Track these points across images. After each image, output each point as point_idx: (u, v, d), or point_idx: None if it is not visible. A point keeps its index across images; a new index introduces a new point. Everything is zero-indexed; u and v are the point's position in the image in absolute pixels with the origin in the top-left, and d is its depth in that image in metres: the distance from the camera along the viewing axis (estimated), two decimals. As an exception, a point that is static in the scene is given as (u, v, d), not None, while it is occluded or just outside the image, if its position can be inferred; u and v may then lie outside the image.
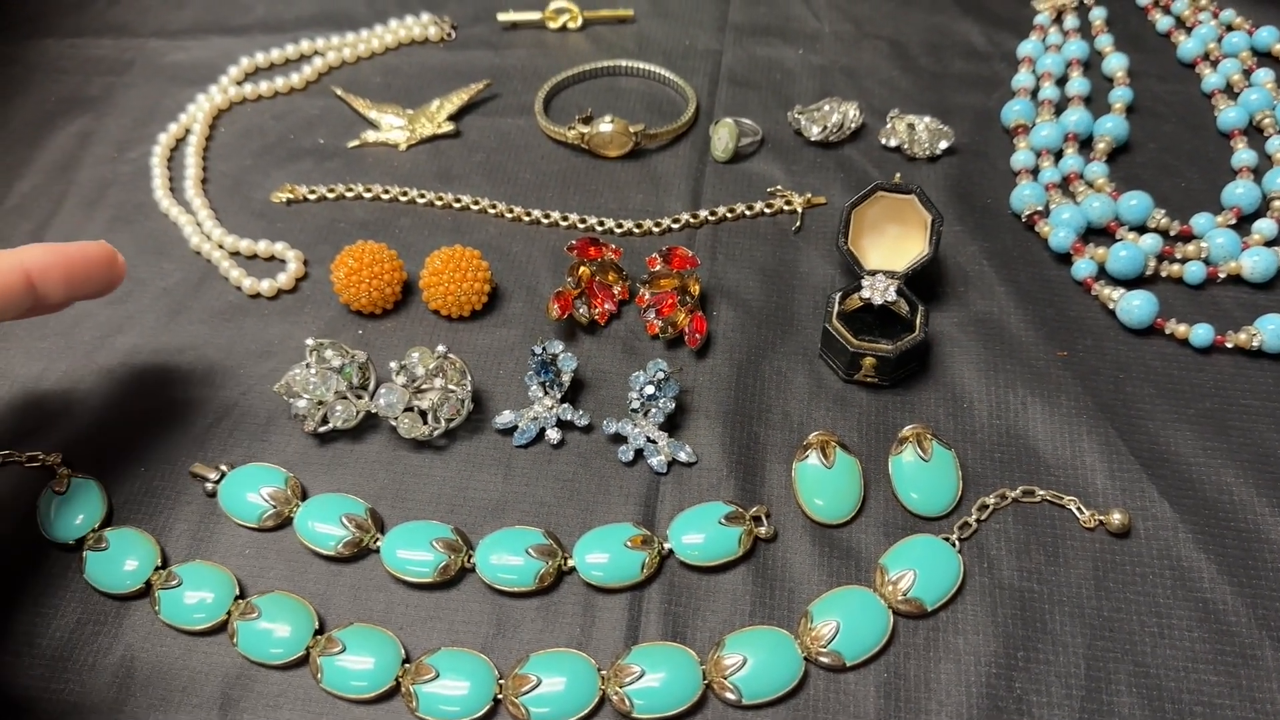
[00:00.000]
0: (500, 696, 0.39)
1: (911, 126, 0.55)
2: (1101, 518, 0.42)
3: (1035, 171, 0.54)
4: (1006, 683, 0.39)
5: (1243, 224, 0.51)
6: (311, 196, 0.56)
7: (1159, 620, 0.40)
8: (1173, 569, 0.41)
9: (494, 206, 0.55)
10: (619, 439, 0.46)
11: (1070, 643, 0.39)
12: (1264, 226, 0.50)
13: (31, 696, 0.40)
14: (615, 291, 0.50)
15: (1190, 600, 0.40)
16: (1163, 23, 0.61)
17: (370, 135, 0.59)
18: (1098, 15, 0.61)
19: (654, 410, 0.45)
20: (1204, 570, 0.41)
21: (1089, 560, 0.41)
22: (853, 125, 0.56)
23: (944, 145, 0.55)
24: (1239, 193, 0.51)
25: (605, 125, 0.55)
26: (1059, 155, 0.54)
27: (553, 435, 0.46)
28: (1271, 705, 0.38)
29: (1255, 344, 0.46)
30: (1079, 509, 0.42)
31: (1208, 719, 0.37)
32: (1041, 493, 0.43)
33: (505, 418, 0.46)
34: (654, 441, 0.45)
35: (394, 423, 0.45)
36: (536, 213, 0.54)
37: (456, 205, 0.55)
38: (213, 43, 0.65)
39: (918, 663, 0.39)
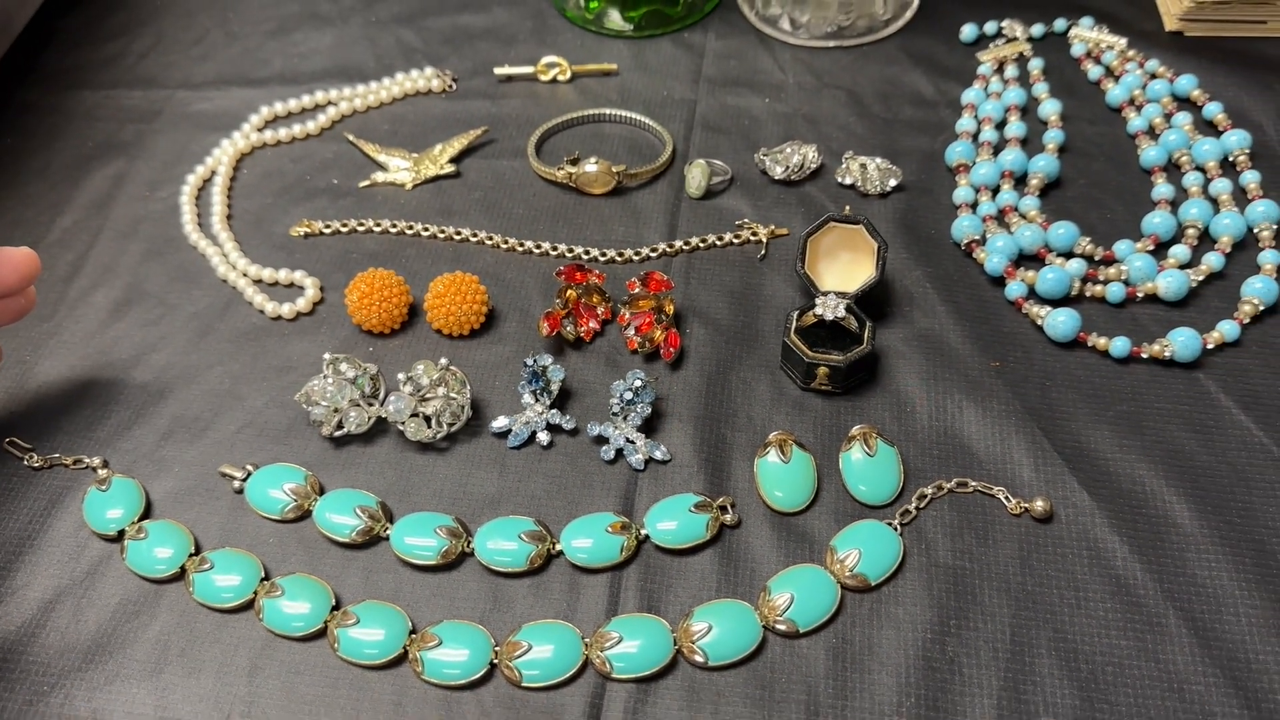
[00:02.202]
0: (496, 661, 0.44)
1: (864, 166, 0.61)
2: (1026, 505, 0.47)
3: (974, 205, 0.60)
4: (940, 647, 0.44)
5: (1160, 250, 0.57)
6: (327, 230, 0.62)
7: (1076, 593, 0.45)
8: (1089, 549, 0.46)
9: (490, 238, 0.61)
10: (602, 440, 0.51)
11: (997, 613, 0.45)
12: (1178, 251, 0.56)
13: (77, 669, 0.45)
14: (599, 312, 0.56)
15: (1105, 576, 0.45)
16: (1094, 71, 0.67)
17: (379, 176, 0.65)
18: (1035, 65, 0.68)
19: (632, 414, 0.50)
20: (1117, 550, 0.46)
21: (1015, 542, 0.47)
22: (812, 165, 0.62)
23: (893, 183, 0.61)
24: (1156, 222, 0.57)
25: (590, 166, 0.62)
26: (996, 191, 0.60)
27: (543, 437, 0.51)
28: (1172, 665, 0.43)
29: (1167, 354, 0.52)
30: (1007, 498, 0.48)
31: (1117, 676, 0.43)
32: (974, 484, 0.48)
33: (500, 422, 0.52)
34: (633, 442, 0.50)
35: (401, 427, 0.51)
36: (529, 244, 0.60)
37: (457, 237, 0.61)
38: (234, 93, 0.71)
39: (862, 630, 0.45)
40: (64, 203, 0.65)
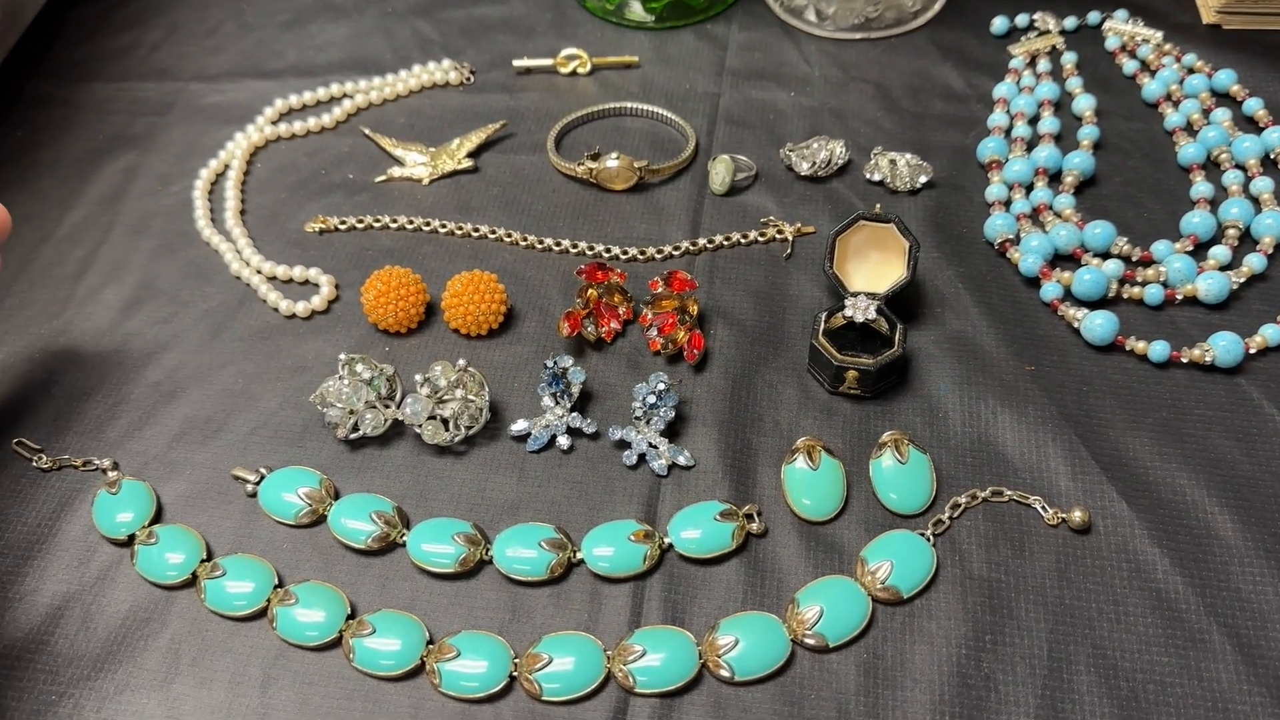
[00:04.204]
0: (515, 674, 0.43)
1: (893, 162, 0.60)
2: (1064, 515, 0.46)
3: (1007, 203, 0.58)
4: (975, 663, 0.42)
5: (1199, 250, 0.55)
6: (342, 226, 0.61)
7: (1116, 608, 0.43)
8: (1129, 562, 0.45)
9: (509, 235, 0.59)
10: (624, 445, 0.50)
11: (1034, 628, 0.43)
12: (1218, 252, 0.54)
13: (86, 677, 0.44)
14: (620, 311, 0.54)
15: (1145, 590, 0.44)
16: (1129, 66, 0.65)
17: (396, 171, 0.63)
18: (1069, 59, 0.66)
19: (655, 418, 0.49)
20: (1158, 563, 0.44)
21: (1052, 554, 0.45)
22: (839, 161, 0.60)
23: (923, 179, 0.59)
24: (1196, 222, 0.55)
25: (612, 161, 0.60)
26: (1030, 188, 0.59)
27: (563, 441, 0.50)
28: (1216, 683, 0.41)
29: (1208, 359, 0.50)
30: (1043, 507, 0.46)
31: (1159, 695, 0.41)
32: (1009, 493, 0.47)
33: (519, 425, 0.50)
34: (655, 447, 0.49)
35: (418, 430, 0.49)
36: (548, 241, 0.59)
37: (475, 234, 0.60)
38: (248, 85, 0.70)
39: (894, 645, 0.43)
40: (74, 197, 0.64)
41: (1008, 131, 0.62)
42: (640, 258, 0.58)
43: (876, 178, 0.60)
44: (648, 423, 0.49)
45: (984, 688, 0.42)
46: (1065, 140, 0.61)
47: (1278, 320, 0.52)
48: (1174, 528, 0.45)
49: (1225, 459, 0.48)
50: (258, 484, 0.49)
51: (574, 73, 0.69)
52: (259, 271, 0.58)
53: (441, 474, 0.50)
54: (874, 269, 0.54)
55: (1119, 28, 0.67)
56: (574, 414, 0.50)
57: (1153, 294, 0.53)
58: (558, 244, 0.59)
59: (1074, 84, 0.64)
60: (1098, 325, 0.51)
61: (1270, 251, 0.54)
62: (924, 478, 0.47)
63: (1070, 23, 0.68)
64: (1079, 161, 0.59)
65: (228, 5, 0.76)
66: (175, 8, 0.76)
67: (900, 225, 0.51)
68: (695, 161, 0.63)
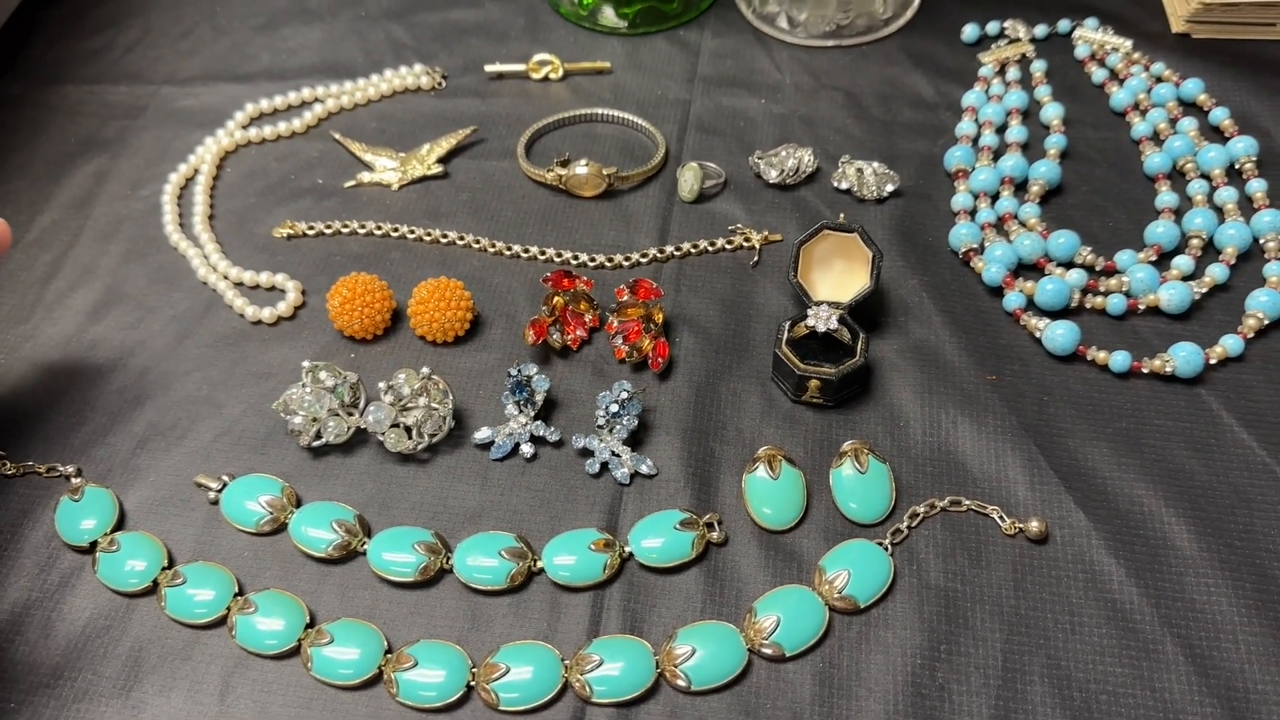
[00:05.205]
0: (473, 684, 0.43)
1: (860, 171, 0.60)
2: (1021, 525, 0.46)
3: (973, 212, 0.58)
4: (930, 673, 0.42)
5: (1163, 260, 0.55)
6: (310, 232, 0.61)
7: (1071, 618, 0.44)
8: (1085, 572, 0.45)
9: (478, 242, 0.59)
10: (587, 453, 0.50)
11: (989, 637, 0.43)
12: (1181, 262, 0.55)
13: (45, 685, 0.44)
14: (586, 319, 0.54)
15: (1100, 600, 0.44)
16: (1098, 74, 0.66)
17: (365, 176, 0.63)
18: (1038, 67, 0.66)
19: (619, 427, 0.49)
20: (1114, 573, 0.45)
21: (1009, 564, 0.45)
22: (808, 169, 0.60)
23: (890, 188, 0.59)
24: (1160, 231, 0.56)
25: (581, 168, 0.60)
26: (996, 197, 0.59)
27: (526, 450, 0.50)
28: (1169, 694, 0.41)
29: (1168, 370, 0.51)
30: (1001, 517, 0.46)
31: (1111, 705, 0.41)
32: (967, 502, 0.47)
33: (483, 433, 0.50)
34: (618, 455, 0.49)
35: (381, 438, 0.49)
36: (517, 248, 0.59)
37: (444, 240, 0.60)
38: (220, 89, 0.70)
39: (850, 654, 0.43)
40: (44, 201, 0.63)
41: (975, 140, 0.62)
42: (608, 265, 0.58)
43: (844, 186, 0.60)
44: (611, 431, 0.49)
45: (938, 697, 0.42)
46: (1033, 149, 0.62)
47: (1238, 331, 0.52)
48: (1130, 538, 0.46)
49: (1183, 469, 0.48)
50: (220, 491, 0.49)
51: (546, 78, 0.69)
52: (226, 277, 0.58)
53: (404, 482, 0.50)
54: (839, 278, 0.54)
55: (1089, 36, 0.67)
56: (538, 422, 0.50)
57: (1115, 304, 0.53)
58: (526, 251, 0.59)
59: (1043, 92, 0.65)
60: (1059, 335, 0.52)
61: (1233, 262, 0.55)
62: (883, 487, 0.47)
63: (1041, 31, 0.68)
64: (1045, 171, 0.59)
65: (202, 7, 0.76)
66: (149, 10, 0.76)
67: (864, 235, 0.52)
68: (665, 168, 0.63)
